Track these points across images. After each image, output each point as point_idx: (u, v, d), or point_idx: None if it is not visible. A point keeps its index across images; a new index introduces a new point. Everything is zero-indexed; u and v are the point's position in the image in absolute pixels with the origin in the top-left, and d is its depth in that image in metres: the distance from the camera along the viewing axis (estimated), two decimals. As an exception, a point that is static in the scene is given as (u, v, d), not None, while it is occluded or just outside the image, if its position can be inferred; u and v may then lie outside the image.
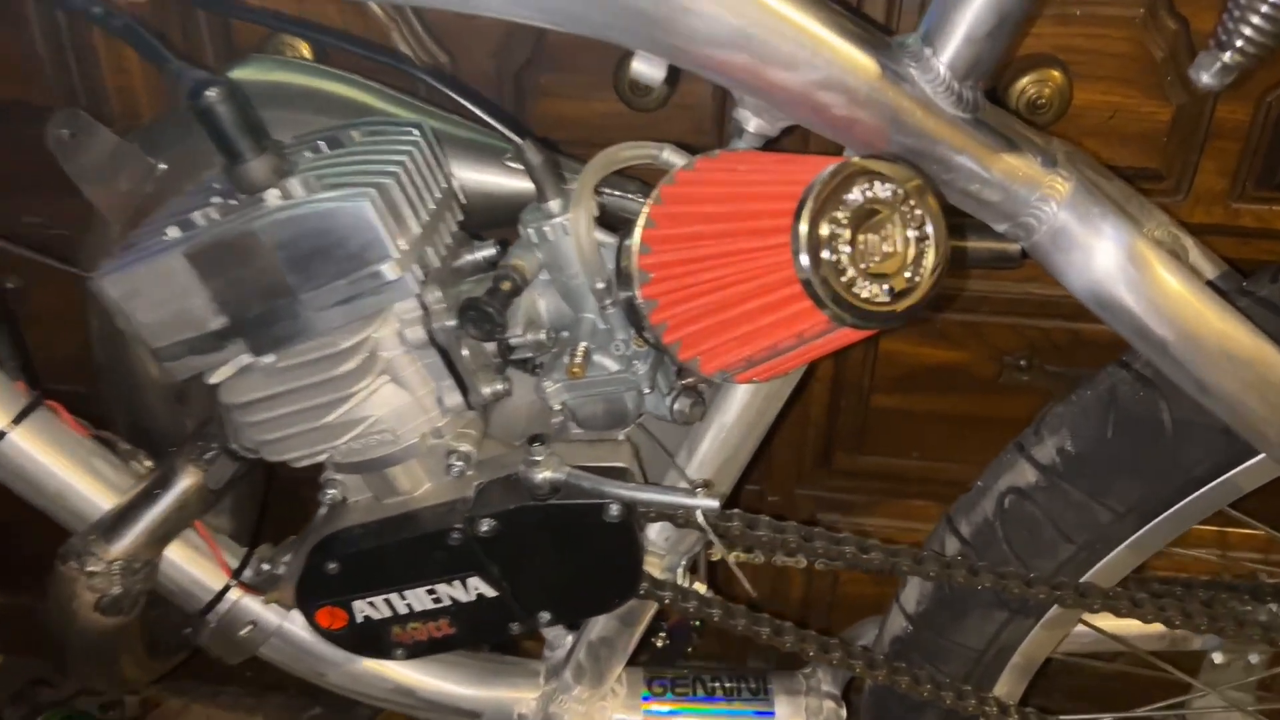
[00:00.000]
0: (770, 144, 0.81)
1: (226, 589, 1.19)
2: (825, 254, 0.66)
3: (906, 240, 0.69)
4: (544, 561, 0.98)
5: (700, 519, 0.89)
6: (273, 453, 0.95)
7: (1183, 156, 1.14)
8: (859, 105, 0.74)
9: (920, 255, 0.69)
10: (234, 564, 1.19)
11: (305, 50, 1.19)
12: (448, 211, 0.88)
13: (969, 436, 1.55)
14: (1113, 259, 0.81)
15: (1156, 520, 1.02)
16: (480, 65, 1.32)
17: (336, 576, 0.99)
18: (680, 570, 1.11)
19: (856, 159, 0.67)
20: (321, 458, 0.97)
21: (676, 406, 0.95)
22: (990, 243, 1.12)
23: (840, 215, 0.66)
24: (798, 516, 1.73)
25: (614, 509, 0.92)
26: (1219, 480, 0.95)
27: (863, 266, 0.67)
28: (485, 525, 0.95)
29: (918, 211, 0.69)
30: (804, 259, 0.65)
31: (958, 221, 1.19)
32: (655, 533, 1.09)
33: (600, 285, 0.90)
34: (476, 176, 1.00)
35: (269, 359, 0.90)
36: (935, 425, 1.55)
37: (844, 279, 0.66)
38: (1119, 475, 1.00)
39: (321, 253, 0.83)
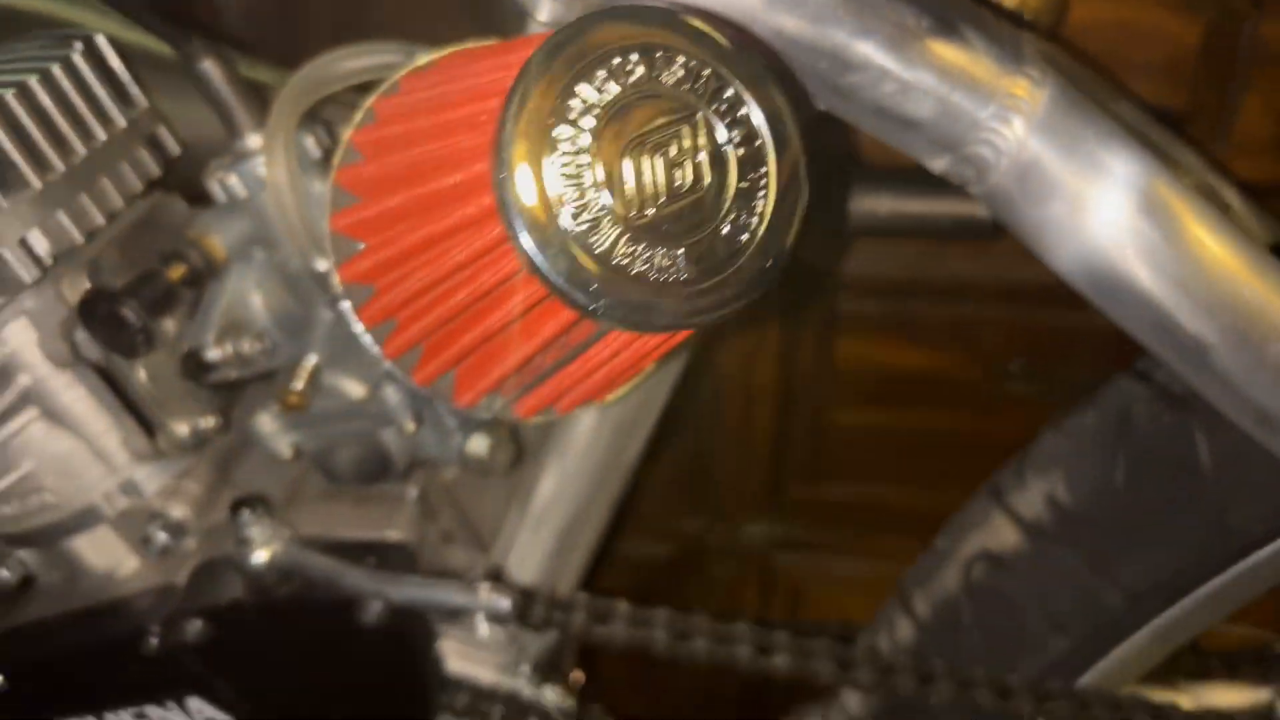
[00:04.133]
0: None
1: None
2: (557, 196, 0.34)
3: (721, 162, 0.37)
4: (291, 675, 0.67)
5: (482, 629, 0.57)
6: (-114, 523, 0.65)
7: (1217, 91, 0.90)
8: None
9: (752, 187, 0.37)
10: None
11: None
12: (122, 161, 0.58)
13: (951, 460, 1.25)
14: (1119, 208, 0.50)
15: (1187, 600, 0.68)
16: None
17: (6, 694, 0.69)
18: (527, 671, 0.79)
19: (605, 10, 0.35)
20: (-36, 527, 0.67)
21: (470, 450, 0.64)
22: (952, 202, 0.80)
23: (583, 121, 0.35)
24: (748, 560, 1.45)
25: (373, 609, 0.61)
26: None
27: (635, 216, 0.35)
28: (193, 628, 0.64)
29: (741, 111, 0.37)
30: (514, 215, 0.34)
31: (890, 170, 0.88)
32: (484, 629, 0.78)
33: (324, 266, 0.59)
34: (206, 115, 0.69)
35: None
36: (908, 446, 1.25)
37: (597, 242, 0.35)
38: (1134, 539, 0.66)
39: None
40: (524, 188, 0.34)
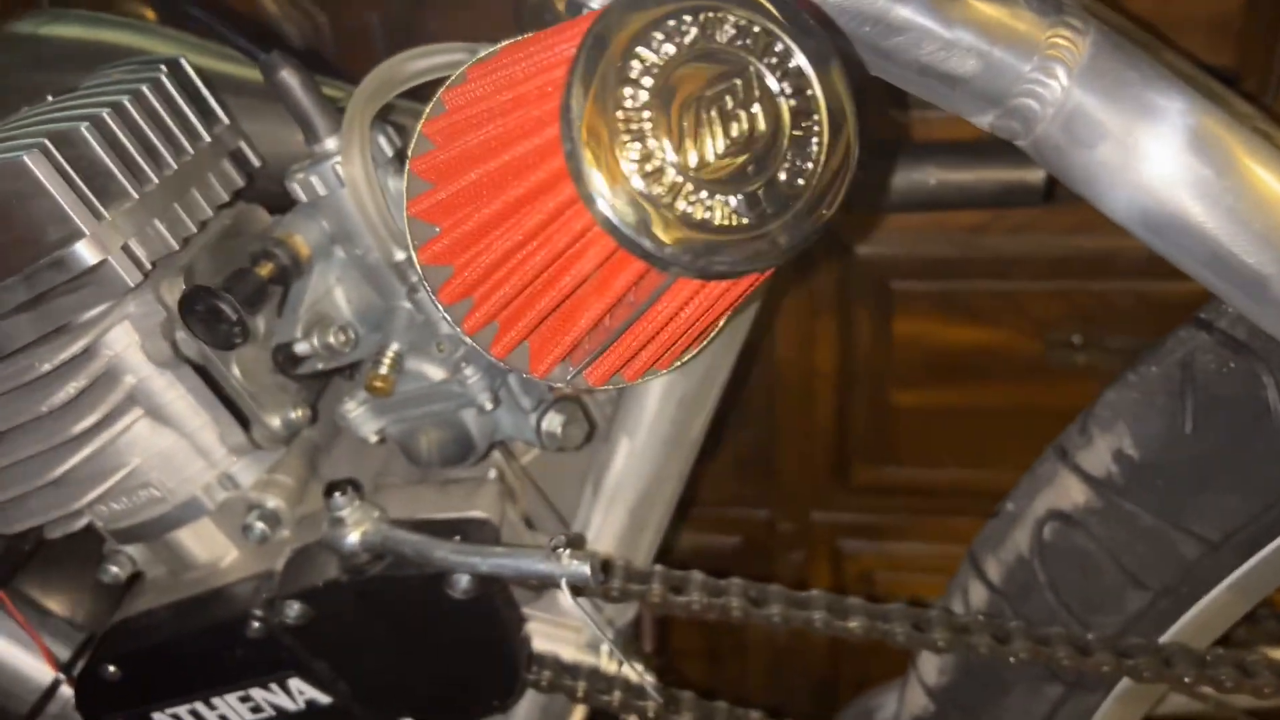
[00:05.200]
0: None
1: (55, 685, 0.93)
2: (621, 151, 0.37)
3: (774, 112, 0.39)
4: (385, 654, 0.71)
5: (566, 596, 0.60)
6: (6, 521, 0.70)
7: (1265, 48, 0.90)
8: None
9: (805, 134, 0.39)
10: (66, 655, 0.94)
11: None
12: (209, 173, 0.62)
13: (1015, 436, 1.24)
14: (1168, 146, 0.50)
15: (1270, 548, 0.68)
16: (361, 20, 1.10)
17: (119, 682, 0.73)
18: (607, 646, 0.81)
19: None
20: (78, 524, 0.71)
21: (546, 427, 0.67)
22: (997, 170, 0.81)
23: (644, 80, 0.37)
24: (816, 547, 1.46)
25: (462, 581, 0.64)
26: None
27: (696, 167, 0.38)
28: (292, 610, 0.68)
29: (791, 63, 0.39)
30: (581, 165, 0.37)
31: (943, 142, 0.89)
32: (567, 598, 0.80)
33: (401, 257, 0.62)
34: (275, 130, 0.73)
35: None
36: (971, 424, 1.25)
37: (661, 193, 0.37)
38: (1206, 487, 0.66)
39: (-24, 237, 0.57)
40: (590, 145, 0.37)
